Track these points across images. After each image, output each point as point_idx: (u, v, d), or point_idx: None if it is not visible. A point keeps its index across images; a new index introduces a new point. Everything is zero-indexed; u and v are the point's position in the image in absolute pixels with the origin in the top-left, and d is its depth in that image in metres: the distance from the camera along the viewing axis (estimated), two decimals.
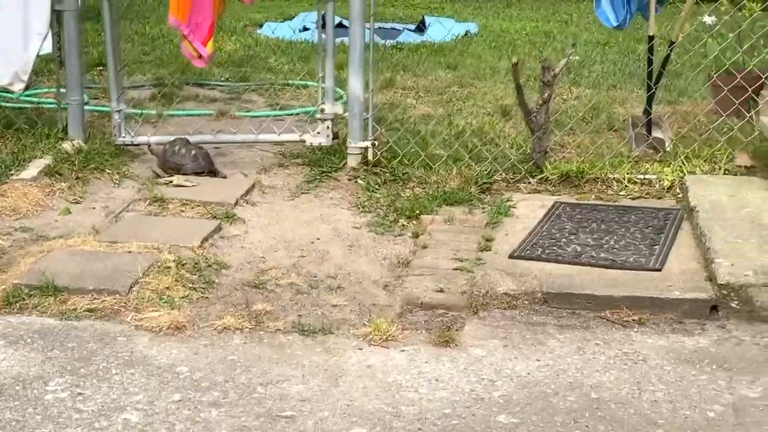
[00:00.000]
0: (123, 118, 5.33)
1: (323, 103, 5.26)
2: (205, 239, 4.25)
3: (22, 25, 5.06)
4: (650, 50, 5.31)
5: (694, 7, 5.51)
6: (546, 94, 5.08)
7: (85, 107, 5.53)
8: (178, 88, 7.08)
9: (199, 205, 4.67)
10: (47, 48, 5.20)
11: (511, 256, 4.16)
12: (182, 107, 6.67)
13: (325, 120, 5.25)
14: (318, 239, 4.42)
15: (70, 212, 4.56)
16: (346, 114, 5.24)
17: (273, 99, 7.02)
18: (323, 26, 5.20)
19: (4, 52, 5.11)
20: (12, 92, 5.34)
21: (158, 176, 5.05)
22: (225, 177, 5.17)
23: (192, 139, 5.30)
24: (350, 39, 5.13)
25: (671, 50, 5.38)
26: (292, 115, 6.39)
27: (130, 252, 4.02)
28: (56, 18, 5.23)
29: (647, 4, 5.17)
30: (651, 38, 5.29)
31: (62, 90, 5.42)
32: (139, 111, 6.15)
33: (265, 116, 6.36)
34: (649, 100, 5.45)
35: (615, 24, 5.12)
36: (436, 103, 6.90)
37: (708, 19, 6.07)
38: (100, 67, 7.58)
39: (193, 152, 5.11)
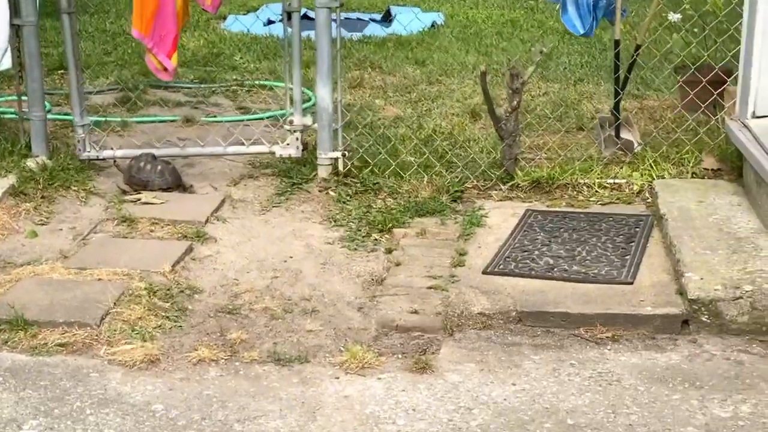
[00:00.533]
0: (87, 132, 5.25)
1: (292, 114, 5.21)
2: (177, 262, 4.21)
3: None
4: (617, 55, 5.30)
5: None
6: (515, 102, 5.07)
7: (48, 116, 5.44)
8: (142, 92, 7.00)
9: (168, 224, 4.62)
10: (6, 63, 5.10)
11: (484, 272, 4.17)
12: (147, 112, 6.60)
13: (294, 131, 5.21)
14: (291, 257, 4.39)
15: (36, 235, 4.50)
16: (316, 125, 5.20)
17: (240, 102, 6.96)
18: (288, 19, 5.11)
19: None
20: None
21: (125, 192, 5.00)
22: (194, 191, 5.12)
23: (159, 152, 5.24)
24: (317, 50, 5.09)
25: (637, 54, 5.38)
26: (260, 119, 6.34)
27: (100, 280, 3.98)
28: (15, 32, 5.13)
29: (613, 9, 5.16)
30: (617, 43, 5.29)
31: (23, 98, 5.33)
32: (103, 118, 6.08)
33: (234, 121, 6.30)
34: (617, 104, 5.45)
35: (582, 32, 5.12)
36: (405, 103, 6.87)
37: (673, 17, 6.08)
38: (62, 71, 7.48)
39: (159, 167, 5.05)
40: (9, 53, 5.06)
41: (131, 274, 4.05)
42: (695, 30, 6.30)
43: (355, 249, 4.50)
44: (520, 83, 5.05)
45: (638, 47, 5.38)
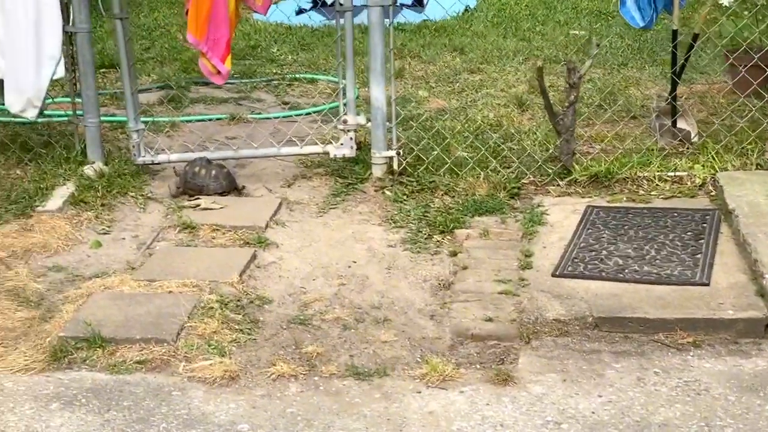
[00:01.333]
0: (141, 137, 5.22)
1: (345, 114, 5.17)
2: (243, 271, 4.18)
3: (33, 50, 4.92)
4: (675, 46, 5.22)
5: None
6: (572, 96, 5.00)
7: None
8: (185, 89, 6.97)
9: (229, 230, 4.59)
10: (60, 71, 5.05)
11: (554, 275, 4.12)
12: (192, 110, 6.57)
13: (348, 131, 5.16)
14: (354, 262, 4.36)
15: (100, 245, 4.48)
16: (369, 124, 5.16)
17: (282, 96, 6.91)
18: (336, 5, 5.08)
19: (14, 79, 4.98)
20: (25, 119, 5.22)
21: (174, 197, 4.96)
22: (248, 194, 5.08)
23: (212, 155, 5.21)
24: (370, 49, 5.04)
25: (695, 43, 5.29)
26: (307, 114, 6.29)
27: (170, 292, 3.96)
28: (68, 39, 5.10)
29: (672, 1, 5.07)
30: (675, 33, 5.21)
31: (77, 101, 5.28)
32: (152, 118, 6.05)
33: (281, 117, 6.26)
34: (674, 94, 5.37)
35: (642, 24, 5.03)
36: (449, 94, 6.81)
37: (725, 0, 5.99)
38: (104, 69, 7.45)
39: (214, 172, 5.01)
40: (62, 61, 5.02)
41: (200, 285, 4.02)
42: (746, 12, 6.22)
43: (418, 252, 4.46)
44: (577, 77, 4.98)
45: (696, 36, 5.29)
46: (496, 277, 4.13)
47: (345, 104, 5.18)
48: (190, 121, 6.27)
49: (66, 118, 5.77)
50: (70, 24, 5.05)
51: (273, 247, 4.50)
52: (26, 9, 4.86)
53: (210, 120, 6.31)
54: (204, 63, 4.95)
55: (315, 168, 5.42)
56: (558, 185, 5.07)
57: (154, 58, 7.86)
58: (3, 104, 5.20)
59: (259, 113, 6.49)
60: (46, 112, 6.07)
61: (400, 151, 5.17)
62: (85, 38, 5.05)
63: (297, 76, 7.30)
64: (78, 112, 5.32)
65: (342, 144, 5.21)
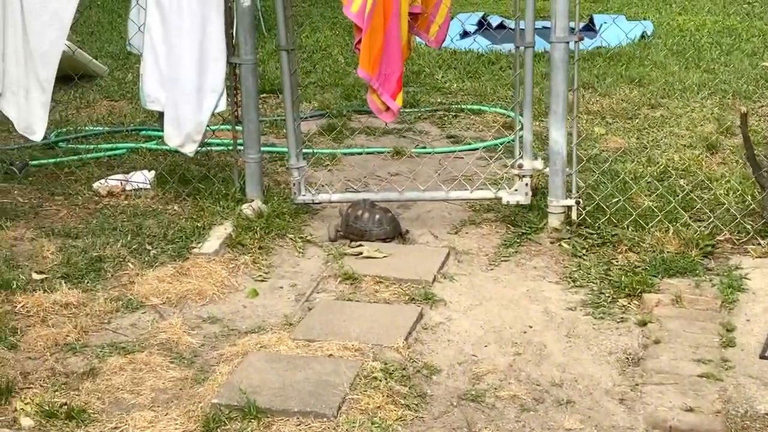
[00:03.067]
0: (303, 175, 4.95)
1: (521, 157, 4.76)
2: (409, 333, 3.83)
3: (196, 83, 4.72)
4: None
5: None
6: None
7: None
8: (347, 118, 6.71)
9: (393, 283, 4.25)
10: (222, 105, 4.84)
11: (762, 356, 3.61)
12: (353, 142, 6.28)
13: (523, 176, 4.75)
14: (530, 327, 3.94)
15: (257, 294, 4.21)
16: (546, 169, 4.73)
17: (448, 129, 6.55)
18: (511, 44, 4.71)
19: (174, 113, 4.80)
20: (184, 153, 5.02)
21: (333, 240, 4.66)
22: (412, 240, 4.74)
23: (376, 197, 4.89)
24: (552, 87, 4.64)
25: None
26: (474, 150, 5.92)
27: (330, 355, 3.64)
28: (232, 70, 4.89)
29: None
30: None
31: (237, 129, 5.08)
32: (312, 150, 5.80)
33: (447, 152, 5.91)
34: None
35: None
36: (627, 132, 6.30)
37: None
38: (264, 95, 7.24)
39: (378, 216, 4.68)
40: (224, 94, 4.80)
41: (362, 348, 3.69)
42: None
43: (601, 318, 4.01)
44: None
45: None
46: (694, 355, 3.64)
47: (520, 142, 4.77)
48: (351, 154, 5.99)
49: (226, 149, 5.59)
50: (235, 55, 4.83)
51: (441, 304, 4.13)
52: (191, 41, 4.68)
53: (372, 153, 6.01)
54: (373, 99, 4.63)
55: (484, 213, 5.03)
56: (759, 245, 4.51)
57: (315, 83, 7.63)
58: (162, 131, 5.04)
59: (424, 147, 6.15)
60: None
61: (580, 200, 4.73)
62: (249, 69, 4.82)
63: (464, 107, 6.92)
64: (238, 141, 5.12)
65: (516, 190, 4.80)
